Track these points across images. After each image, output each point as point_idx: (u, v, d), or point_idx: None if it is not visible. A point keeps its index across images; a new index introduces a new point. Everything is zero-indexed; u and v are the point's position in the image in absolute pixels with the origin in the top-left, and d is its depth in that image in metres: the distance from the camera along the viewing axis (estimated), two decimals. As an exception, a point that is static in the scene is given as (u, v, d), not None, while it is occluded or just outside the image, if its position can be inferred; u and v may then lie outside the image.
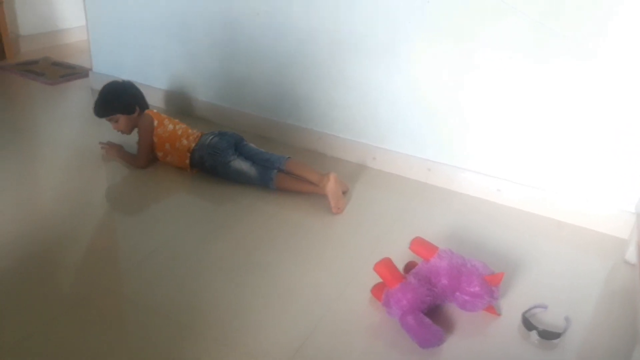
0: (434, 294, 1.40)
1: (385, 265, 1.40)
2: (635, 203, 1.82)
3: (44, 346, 1.26)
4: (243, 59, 2.43)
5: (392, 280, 1.38)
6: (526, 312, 1.44)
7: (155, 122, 2.12)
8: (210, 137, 2.07)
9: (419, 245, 1.50)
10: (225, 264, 1.59)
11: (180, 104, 2.71)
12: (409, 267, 1.53)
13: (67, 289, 1.47)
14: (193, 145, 2.07)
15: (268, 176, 1.97)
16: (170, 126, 2.13)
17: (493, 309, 1.45)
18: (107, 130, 2.26)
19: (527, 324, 1.40)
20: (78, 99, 2.87)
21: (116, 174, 2.11)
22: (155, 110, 2.20)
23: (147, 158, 2.13)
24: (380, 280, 1.43)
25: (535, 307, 1.48)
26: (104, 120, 2.19)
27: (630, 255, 1.72)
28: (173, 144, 2.10)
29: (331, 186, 1.86)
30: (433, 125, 2.09)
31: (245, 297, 1.46)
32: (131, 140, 2.20)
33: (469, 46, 1.90)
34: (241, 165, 2.01)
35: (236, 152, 2.05)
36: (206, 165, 2.06)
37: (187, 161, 2.07)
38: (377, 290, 1.45)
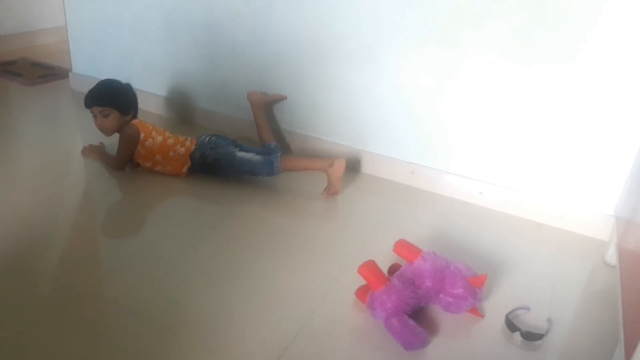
0: (418, 296, 1.40)
1: (369, 268, 1.40)
2: (614, 206, 1.85)
3: (23, 351, 1.23)
4: (225, 61, 2.42)
5: (376, 283, 1.38)
6: (509, 313, 1.45)
7: (142, 135, 2.06)
8: (208, 137, 2.11)
9: (403, 247, 1.50)
10: (209, 267, 1.58)
11: (162, 106, 2.69)
12: (393, 269, 1.53)
13: (48, 292, 1.44)
14: (193, 147, 2.07)
15: (273, 157, 2.02)
16: (159, 138, 2.08)
17: (477, 311, 1.46)
18: (86, 132, 2.22)
19: (511, 325, 1.40)
20: (57, 100, 2.82)
21: (97, 176, 2.08)
22: (143, 121, 2.12)
23: (126, 164, 2.10)
24: (364, 282, 1.43)
25: (518, 308, 1.49)
26: (83, 122, 2.14)
27: (610, 257, 1.74)
28: (166, 154, 2.06)
29: (338, 172, 1.98)
30: (416, 128, 2.10)
31: (229, 300, 1.44)
32: (109, 140, 2.16)
33: (452, 51, 1.91)
34: (245, 154, 2.05)
35: (237, 147, 2.10)
36: (208, 161, 2.05)
37: (186, 168, 2.06)
38: (362, 293, 1.45)
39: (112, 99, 2.08)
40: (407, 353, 1.31)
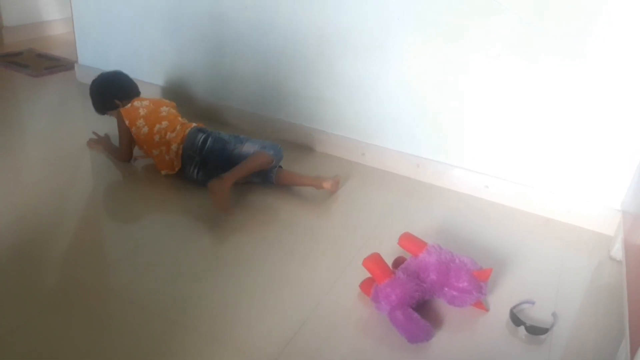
0: (423, 289, 1.40)
1: (374, 261, 1.40)
2: (620, 200, 1.84)
3: (28, 342, 1.24)
4: (231, 53, 2.41)
5: (381, 276, 1.38)
6: (514, 307, 1.45)
7: (127, 122, 2.02)
8: (199, 136, 1.94)
9: (408, 240, 1.50)
10: (213, 259, 1.58)
11: (167, 98, 2.67)
12: (398, 262, 1.53)
13: (52, 284, 1.44)
14: (180, 146, 1.94)
15: (270, 172, 1.97)
16: (145, 129, 2.00)
17: (481, 305, 1.45)
18: (92, 124, 2.23)
19: (515, 319, 1.40)
20: (63, 92, 2.82)
21: (102, 168, 2.08)
22: (134, 104, 2.07)
23: (128, 152, 2.08)
24: (369, 275, 1.43)
25: (523, 302, 1.49)
26: (89, 114, 2.13)
27: (616, 252, 1.73)
28: (149, 149, 2.02)
29: (331, 186, 1.95)
30: (423, 121, 2.09)
31: (234, 293, 1.45)
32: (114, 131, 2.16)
33: (458, 43, 1.90)
34: (240, 153, 1.94)
35: (234, 148, 1.96)
36: (209, 167, 1.92)
37: (176, 169, 1.98)
38: (366, 286, 1.45)
39: (99, 106, 2.15)
40: (411, 346, 1.31)
